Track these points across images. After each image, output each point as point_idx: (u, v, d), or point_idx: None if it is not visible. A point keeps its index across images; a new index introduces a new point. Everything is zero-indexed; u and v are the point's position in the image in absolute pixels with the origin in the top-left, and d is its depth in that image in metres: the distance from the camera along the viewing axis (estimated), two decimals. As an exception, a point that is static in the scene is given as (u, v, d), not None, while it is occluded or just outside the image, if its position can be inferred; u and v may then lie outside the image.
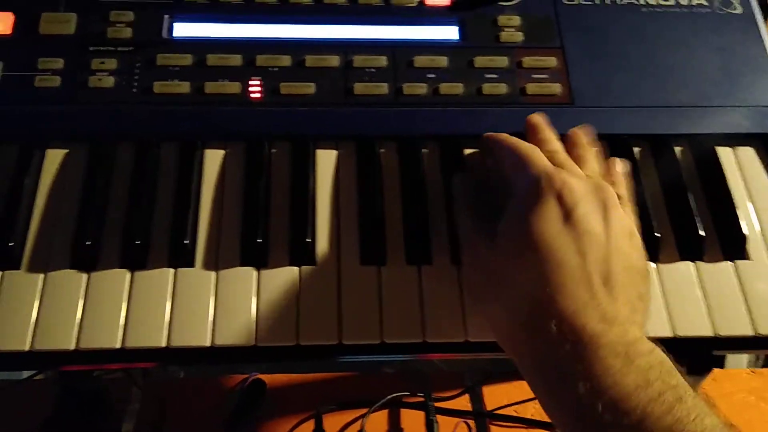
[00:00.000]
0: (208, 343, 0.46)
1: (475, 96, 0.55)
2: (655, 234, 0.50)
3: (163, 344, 0.45)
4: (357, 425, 0.74)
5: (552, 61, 0.57)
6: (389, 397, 0.75)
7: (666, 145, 0.55)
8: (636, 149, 0.55)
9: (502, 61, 0.57)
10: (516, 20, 0.59)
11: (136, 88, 0.53)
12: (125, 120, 0.53)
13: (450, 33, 0.58)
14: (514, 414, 0.77)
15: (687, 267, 0.50)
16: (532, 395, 0.78)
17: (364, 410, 0.75)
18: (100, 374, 0.74)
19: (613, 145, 0.55)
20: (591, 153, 0.49)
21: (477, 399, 0.79)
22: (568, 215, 0.41)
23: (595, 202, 0.42)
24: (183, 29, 0.57)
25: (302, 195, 0.51)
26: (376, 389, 0.76)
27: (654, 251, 0.50)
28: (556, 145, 0.49)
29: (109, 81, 0.53)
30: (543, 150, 0.47)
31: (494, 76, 0.56)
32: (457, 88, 0.55)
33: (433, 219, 0.51)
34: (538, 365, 0.40)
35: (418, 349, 0.48)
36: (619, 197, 0.45)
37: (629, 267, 0.42)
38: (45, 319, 0.46)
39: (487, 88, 0.55)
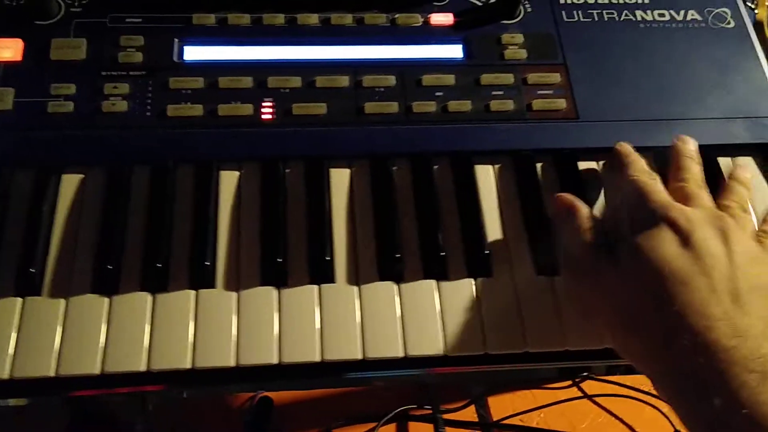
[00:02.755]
0: (232, 363, 0.46)
1: (483, 112, 0.57)
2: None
3: (189, 365, 0.46)
4: (367, 440, 0.74)
5: (556, 77, 0.59)
6: (397, 410, 0.76)
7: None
8: (641, 161, 0.57)
9: (508, 78, 0.58)
10: (519, 38, 0.60)
11: (150, 111, 0.54)
12: (141, 144, 0.53)
13: (455, 51, 0.60)
14: (520, 423, 0.78)
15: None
16: (537, 404, 0.80)
17: (373, 424, 0.75)
18: (109, 395, 0.73)
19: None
20: (703, 189, 0.49)
21: (483, 409, 0.80)
22: (686, 240, 0.42)
23: (713, 230, 0.43)
24: (193, 53, 0.57)
25: (319, 214, 0.52)
26: (383, 403, 0.77)
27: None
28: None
29: (123, 105, 0.54)
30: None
31: (500, 92, 0.58)
32: (465, 105, 0.56)
33: (447, 233, 0.52)
34: (673, 378, 0.41)
35: (436, 363, 0.49)
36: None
37: (758, 287, 0.41)
38: (69, 344, 0.46)
39: (495, 105, 0.57)
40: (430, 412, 0.77)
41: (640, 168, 0.50)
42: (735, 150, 0.58)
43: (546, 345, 0.49)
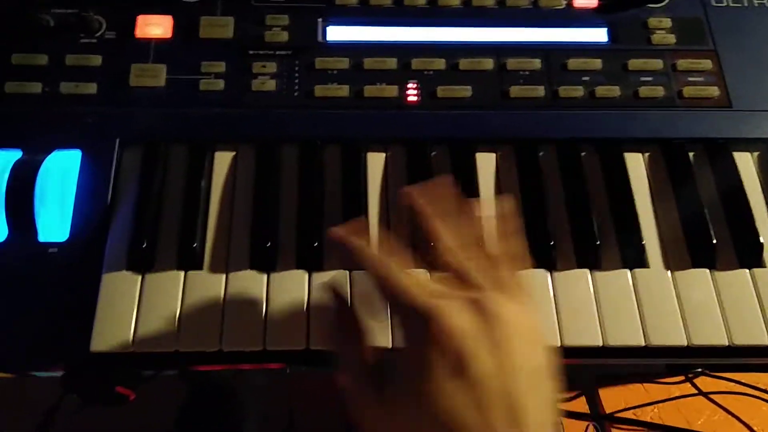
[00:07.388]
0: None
1: (632, 99, 0.55)
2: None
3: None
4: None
5: (707, 64, 0.57)
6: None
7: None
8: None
9: (657, 64, 0.56)
10: (666, 22, 0.58)
11: (298, 91, 0.54)
12: (290, 123, 0.53)
13: (599, 35, 0.58)
14: (633, 417, 0.77)
15: None
16: (650, 399, 0.78)
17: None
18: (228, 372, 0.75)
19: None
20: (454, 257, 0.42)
21: (593, 402, 0.79)
22: (457, 365, 0.37)
23: (478, 330, 0.38)
24: (336, 33, 0.57)
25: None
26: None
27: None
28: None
29: (272, 84, 0.54)
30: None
31: (649, 78, 0.56)
32: (614, 90, 0.55)
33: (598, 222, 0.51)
34: None
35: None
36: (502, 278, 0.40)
37: (532, 382, 0.37)
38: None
39: (644, 91, 0.55)
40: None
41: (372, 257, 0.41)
42: None
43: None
